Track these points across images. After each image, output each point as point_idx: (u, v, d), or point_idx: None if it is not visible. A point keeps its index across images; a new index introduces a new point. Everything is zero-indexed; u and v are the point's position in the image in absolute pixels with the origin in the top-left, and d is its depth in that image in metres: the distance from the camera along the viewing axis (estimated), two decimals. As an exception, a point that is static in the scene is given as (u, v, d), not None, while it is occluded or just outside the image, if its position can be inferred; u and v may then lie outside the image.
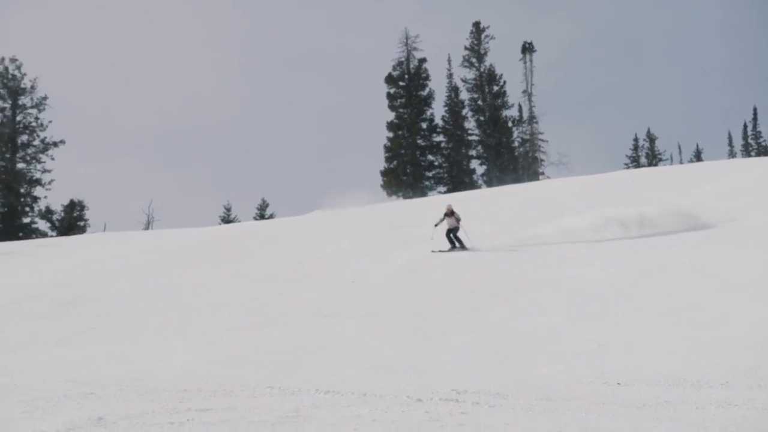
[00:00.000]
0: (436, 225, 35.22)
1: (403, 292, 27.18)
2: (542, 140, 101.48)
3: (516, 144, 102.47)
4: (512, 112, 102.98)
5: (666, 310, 20.66)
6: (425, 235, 35.21)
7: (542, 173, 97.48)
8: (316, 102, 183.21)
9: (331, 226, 47.56)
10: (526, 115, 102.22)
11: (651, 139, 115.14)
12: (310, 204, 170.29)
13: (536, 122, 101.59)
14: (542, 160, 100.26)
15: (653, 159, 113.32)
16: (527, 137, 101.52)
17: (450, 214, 35.05)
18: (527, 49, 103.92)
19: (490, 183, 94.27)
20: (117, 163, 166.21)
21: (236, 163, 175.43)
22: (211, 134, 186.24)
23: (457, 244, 34.67)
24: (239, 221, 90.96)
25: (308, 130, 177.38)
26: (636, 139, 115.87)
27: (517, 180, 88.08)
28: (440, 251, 34.32)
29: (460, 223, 34.89)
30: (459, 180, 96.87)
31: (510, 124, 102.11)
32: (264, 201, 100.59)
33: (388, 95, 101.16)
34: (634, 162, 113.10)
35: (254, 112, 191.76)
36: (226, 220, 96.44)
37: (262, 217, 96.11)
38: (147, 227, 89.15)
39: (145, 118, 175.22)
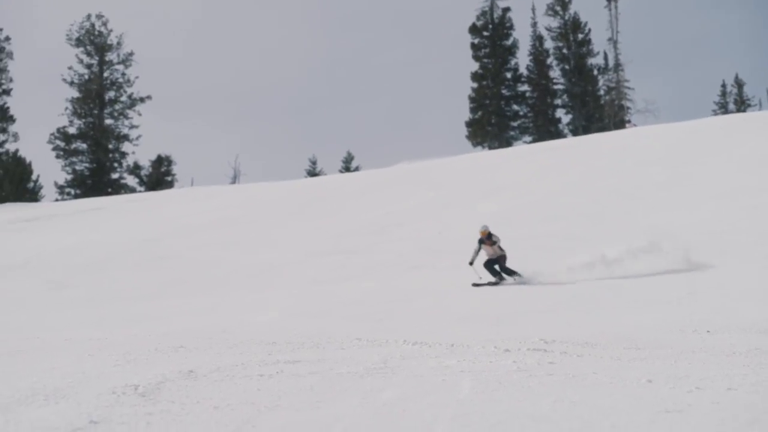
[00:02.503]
0: (471, 263, 23.13)
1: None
2: (628, 88, 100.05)
3: (601, 92, 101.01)
4: (597, 60, 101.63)
5: (757, 257, 20.41)
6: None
7: (628, 121, 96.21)
8: (400, 53, 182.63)
9: (416, 178, 47.42)
10: (611, 63, 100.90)
11: (739, 84, 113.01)
12: (395, 156, 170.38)
13: (622, 70, 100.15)
14: (628, 108, 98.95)
15: (741, 105, 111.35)
16: (613, 85, 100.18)
17: (487, 239, 23.35)
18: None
19: (575, 132, 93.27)
20: (203, 118, 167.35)
21: (321, 116, 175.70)
22: (296, 88, 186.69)
23: (506, 276, 23.14)
24: (325, 174, 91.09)
25: (391, 81, 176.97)
26: (724, 85, 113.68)
27: (603, 128, 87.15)
28: (482, 284, 22.55)
29: (502, 248, 23.45)
30: (544, 129, 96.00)
31: (595, 72, 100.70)
32: (349, 154, 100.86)
33: (472, 45, 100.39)
34: (722, 108, 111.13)
35: (338, 65, 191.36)
36: (312, 173, 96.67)
37: (347, 169, 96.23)
38: (233, 181, 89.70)
39: (231, 72, 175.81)
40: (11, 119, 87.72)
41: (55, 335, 13.22)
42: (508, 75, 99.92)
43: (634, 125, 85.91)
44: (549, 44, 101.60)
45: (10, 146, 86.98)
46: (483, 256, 23.62)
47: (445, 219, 32.65)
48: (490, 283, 22.70)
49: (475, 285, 22.28)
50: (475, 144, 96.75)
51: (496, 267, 23.30)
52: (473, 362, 9.40)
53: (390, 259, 26.83)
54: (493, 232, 23.59)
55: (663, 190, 32.42)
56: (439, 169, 50.74)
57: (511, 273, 23.01)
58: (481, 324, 14.26)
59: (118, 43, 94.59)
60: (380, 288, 21.78)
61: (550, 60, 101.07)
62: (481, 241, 23.34)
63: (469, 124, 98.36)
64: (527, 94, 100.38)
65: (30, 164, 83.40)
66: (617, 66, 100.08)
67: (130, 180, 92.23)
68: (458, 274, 22.79)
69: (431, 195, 39.03)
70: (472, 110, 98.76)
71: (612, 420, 6.54)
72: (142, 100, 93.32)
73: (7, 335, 13.51)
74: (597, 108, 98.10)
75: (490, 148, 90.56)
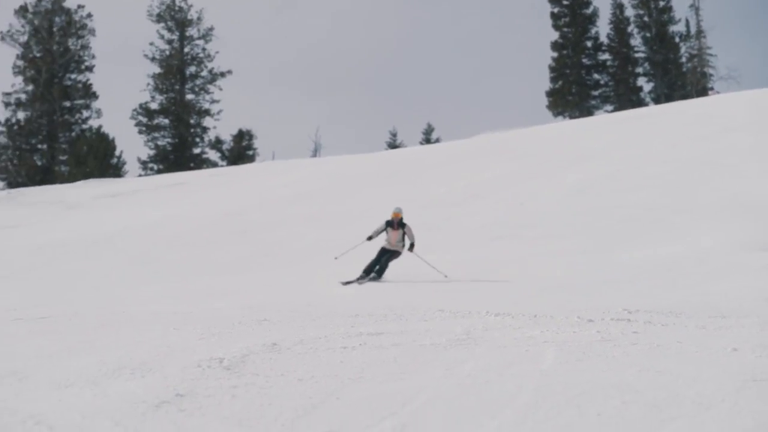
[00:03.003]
0: (370, 237, 21.88)
1: (572, 213, 26.93)
2: (710, 55, 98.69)
3: (683, 60, 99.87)
4: (679, 28, 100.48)
5: None
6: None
7: (711, 88, 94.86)
8: (479, 23, 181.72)
9: (497, 149, 47.25)
10: (693, 30, 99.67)
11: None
12: (475, 127, 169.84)
13: (704, 37, 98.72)
14: (711, 75, 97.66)
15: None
16: (695, 52, 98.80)
17: (397, 223, 21.48)
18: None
19: (657, 100, 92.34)
20: (284, 92, 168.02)
21: (402, 88, 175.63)
22: (376, 59, 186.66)
23: (374, 274, 20.75)
24: (405, 146, 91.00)
25: (471, 52, 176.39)
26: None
27: (686, 96, 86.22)
28: (349, 282, 19.75)
29: (407, 242, 21.46)
30: (625, 98, 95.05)
31: (677, 39, 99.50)
32: (429, 125, 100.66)
33: (552, 14, 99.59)
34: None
35: (418, 35, 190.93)
36: (392, 145, 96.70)
37: (427, 141, 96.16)
38: (314, 154, 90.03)
39: (311, 44, 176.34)
40: (94, 96, 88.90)
41: (141, 309, 13.38)
42: (589, 44, 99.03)
43: (717, 92, 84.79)
44: (629, 12, 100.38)
45: (94, 122, 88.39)
46: (382, 240, 22.11)
47: (527, 190, 32.49)
48: (351, 282, 19.73)
49: (344, 283, 19.56)
50: (556, 114, 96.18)
51: (382, 261, 20.98)
52: (556, 333, 9.37)
53: (472, 230, 26.79)
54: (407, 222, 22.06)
55: (749, 157, 31.95)
56: (520, 139, 50.47)
57: (381, 272, 20.76)
58: (563, 294, 14.22)
59: (198, 18, 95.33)
60: (462, 259, 21.83)
61: (631, 28, 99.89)
62: (389, 223, 21.63)
63: (550, 93, 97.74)
64: (608, 63, 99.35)
65: (113, 140, 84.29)
66: (699, 33, 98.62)
67: (212, 154, 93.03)
68: (541, 244, 22.69)
69: (512, 166, 38.85)
70: (553, 80, 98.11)
71: (697, 389, 6.49)
72: (222, 74, 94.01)
73: (94, 309, 13.69)
74: (679, 76, 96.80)
75: (571, 117, 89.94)
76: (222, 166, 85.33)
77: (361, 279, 20.37)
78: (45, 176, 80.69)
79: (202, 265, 24.91)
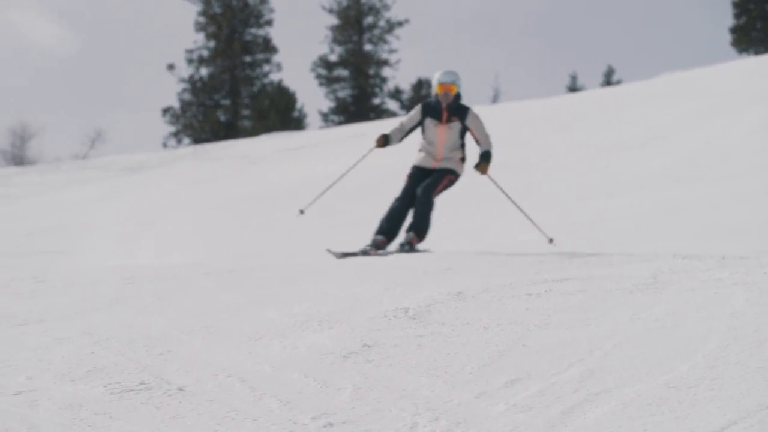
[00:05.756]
0: (385, 142, 14.20)
1: (760, 151, 26.29)
2: None
3: None
4: None
5: None
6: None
7: None
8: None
9: (679, 89, 46.29)
10: None
11: None
12: (656, 67, 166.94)
13: None
14: None
15: None
16: None
17: (449, 110, 12.87)
18: None
19: None
20: (461, 38, 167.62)
21: (580, 30, 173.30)
22: (554, 2, 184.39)
23: (403, 242, 13.22)
24: (585, 89, 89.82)
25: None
26: None
27: None
28: (347, 254, 13.36)
29: (466, 153, 13.61)
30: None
31: None
32: (610, 67, 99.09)
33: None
34: None
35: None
36: (572, 88, 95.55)
37: (608, 84, 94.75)
38: (494, 101, 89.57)
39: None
40: (274, 50, 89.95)
41: (326, 261, 13.54)
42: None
43: None
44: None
45: (274, 77, 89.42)
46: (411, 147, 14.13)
47: (711, 131, 31.80)
48: (350, 255, 13.11)
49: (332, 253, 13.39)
50: (740, 50, 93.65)
51: (419, 196, 13.25)
52: (746, 274, 9.16)
53: (654, 172, 26.39)
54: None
55: None
56: (704, 78, 49.31)
57: (421, 228, 13.18)
58: (753, 235, 13.93)
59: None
60: (646, 202, 21.49)
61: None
62: (428, 109, 13.02)
63: (733, 30, 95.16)
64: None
65: (294, 94, 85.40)
66: None
67: (392, 105, 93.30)
68: (726, 185, 22.21)
69: (695, 105, 38.04)
70: (736, 16, 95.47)
71: None
72: (399, 24, 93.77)
73: (281, 262, 13.93)
74: None
75: (757, 54, 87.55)
76: (402, 115, 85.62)
77: (370, 248, 12.96)
78: (228, 131, 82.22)
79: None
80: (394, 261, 12.26)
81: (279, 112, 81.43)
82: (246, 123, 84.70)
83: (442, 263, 11.45)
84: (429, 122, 12.88)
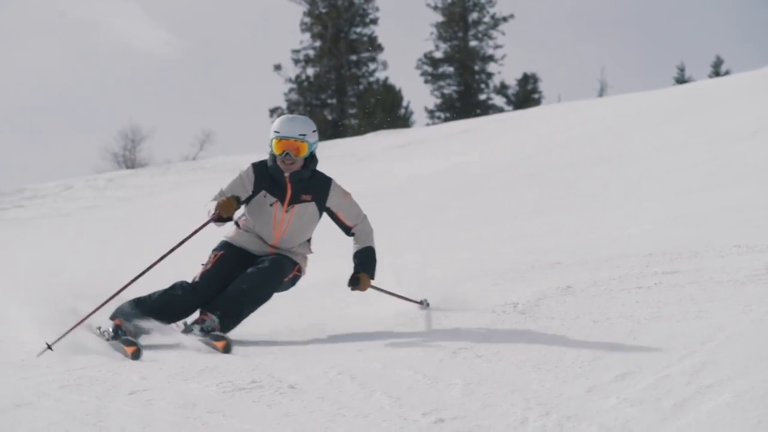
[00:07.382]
0: (219, 220, 8.33)
1: None
2: None
3: None
4: None
5: None
6: None
7: None
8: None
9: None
10: None
11: None
12: (766, 56, 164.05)
13: None
14: None
15: None
16: None
17: (289, 180, 8.60)
18: None
19: None
20: (566, 33, 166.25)
21: (688, 21, 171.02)
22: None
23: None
24: (693, 81, 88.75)
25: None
26: None
27: None
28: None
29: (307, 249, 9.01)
30: None
31: None
32: (718, 58, 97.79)
33: None
34: None
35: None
36: (680, 80, 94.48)
37: (716, 74, 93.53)
38: (601, 94, 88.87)
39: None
40: (379, 48, 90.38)
41: (433, 256, 13.59)
42: None
43: None
44: None
45: (380, 75, 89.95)
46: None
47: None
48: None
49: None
50: None
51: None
52: None
53: (766, 163, 25.98)
54: None
55: None
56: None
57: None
58: None
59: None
60: (757, 193, 21.15)
61: None
62: (263, 174, 8.67)
63: None
64: None
65: (400, 91, 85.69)
66: None
67: (498, 100, 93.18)
68: None
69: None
70: None
71: None
72: (504, 19, 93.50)
73: (386, 256, 14.00)
74: None
75: None
76: (508, 111, 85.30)
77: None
78: (335, 130, 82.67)
79: (492, 211, 25.01)
80: (501, 257, 12.28)
81: (385, 110, 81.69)
82: (353, 121, 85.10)
83: (550, 257, 11.42)
84: (263, 199, 8.41)
